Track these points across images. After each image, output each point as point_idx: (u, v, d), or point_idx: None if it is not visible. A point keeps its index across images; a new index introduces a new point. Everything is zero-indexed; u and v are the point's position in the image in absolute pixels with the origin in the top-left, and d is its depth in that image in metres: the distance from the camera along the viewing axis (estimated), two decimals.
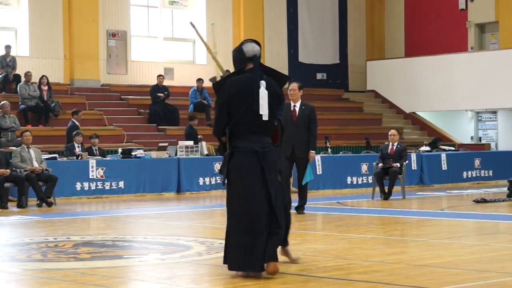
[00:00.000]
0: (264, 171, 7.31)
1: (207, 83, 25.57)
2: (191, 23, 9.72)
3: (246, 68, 7.47)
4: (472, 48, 29.00)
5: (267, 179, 7.30)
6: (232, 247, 7.41)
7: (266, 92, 7.33)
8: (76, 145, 18.38)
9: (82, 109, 23.31)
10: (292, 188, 19.44)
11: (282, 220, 7.41)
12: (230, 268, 7.46)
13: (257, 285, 7.12)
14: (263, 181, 7.30)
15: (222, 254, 8.90)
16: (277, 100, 7.48)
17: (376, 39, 31.31)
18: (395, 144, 17.33)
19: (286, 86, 8.72)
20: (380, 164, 17.23)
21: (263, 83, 7.36)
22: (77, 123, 19.80)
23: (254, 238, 7.26)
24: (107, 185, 18.20)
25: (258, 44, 7.56)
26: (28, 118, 21.56)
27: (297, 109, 13.46)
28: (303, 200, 13.95)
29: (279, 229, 7.38)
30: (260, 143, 7.36)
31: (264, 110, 7.30)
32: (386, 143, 17.63)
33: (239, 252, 7.34)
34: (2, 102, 20.38)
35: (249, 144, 7.34)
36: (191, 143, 19.91)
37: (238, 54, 7.53)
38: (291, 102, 13.50)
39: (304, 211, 13.89)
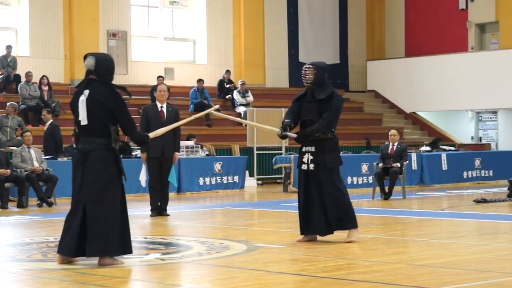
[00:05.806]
0: (84, 167, 8.24)
1: (207, 83, 25.60)
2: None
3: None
4: (472, 48, 29.00)
5: (83, 174, 8.22)
6: None
7: (85, 100, 8.22)
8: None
9: None
10: (292, 188, 19.57)
11: (93, 212, 8.10)
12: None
13: (257, 284, 7.12)
14: (81, 175, 8.29)
15: (222, 254, 8.95)
16: (101, 107, 8.20)
17: (376, 39, 31.31)
18: (396, 144, 17.31)
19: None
20: (381, 164, 17.22)
21: (85, 93, 8.27)
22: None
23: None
24: None
25: (97, 56, 8.61)
26: (28, 118, 21.55)
27: (164, 110, 13.54)
28: (165, 202, 13.70)
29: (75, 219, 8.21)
30: (88, 143, 8.27)
31: (82, 116, 8.22)
32: (386, 143, 17.62)
33: None
34: (9, 103, 20.31)
35: (79, 145, 8.40)
36: (191, 143, 19.93)
37: None
38: (158, 103, 13.58)
39: (168, 214, 13.65)
